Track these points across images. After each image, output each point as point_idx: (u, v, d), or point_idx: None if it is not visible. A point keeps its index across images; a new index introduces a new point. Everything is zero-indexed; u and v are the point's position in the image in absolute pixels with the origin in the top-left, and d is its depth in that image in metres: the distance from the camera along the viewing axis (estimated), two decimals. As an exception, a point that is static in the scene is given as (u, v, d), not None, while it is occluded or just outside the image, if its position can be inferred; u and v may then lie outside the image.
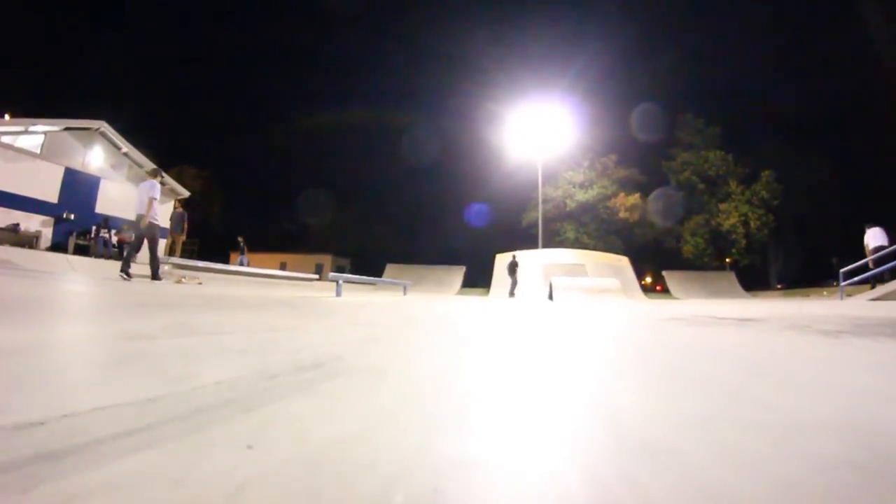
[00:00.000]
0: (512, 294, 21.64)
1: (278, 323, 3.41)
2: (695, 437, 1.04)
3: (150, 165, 24.09)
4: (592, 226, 45.09)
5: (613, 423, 1.13)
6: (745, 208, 40.05)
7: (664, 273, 28.97)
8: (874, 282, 14.41)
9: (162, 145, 29.68)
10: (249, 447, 0.87)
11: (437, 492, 0.73)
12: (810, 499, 0.75)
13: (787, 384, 1.74)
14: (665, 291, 32.88)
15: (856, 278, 14.89)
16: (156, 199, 10.34)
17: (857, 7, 41.33)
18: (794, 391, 1.61)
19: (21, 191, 19.11)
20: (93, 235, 20.51)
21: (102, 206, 22.24)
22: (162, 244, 13.65)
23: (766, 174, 39.84)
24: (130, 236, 20.49)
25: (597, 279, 19.19)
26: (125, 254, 10.33)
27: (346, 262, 56.67)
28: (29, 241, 18.67)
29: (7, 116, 20.14)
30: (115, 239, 20.75)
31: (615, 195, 44.71)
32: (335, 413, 1.12)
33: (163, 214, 12.38)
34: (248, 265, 21.55)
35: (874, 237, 14.92)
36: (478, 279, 29.92)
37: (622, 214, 43.98)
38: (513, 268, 22.02)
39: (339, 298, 8.82)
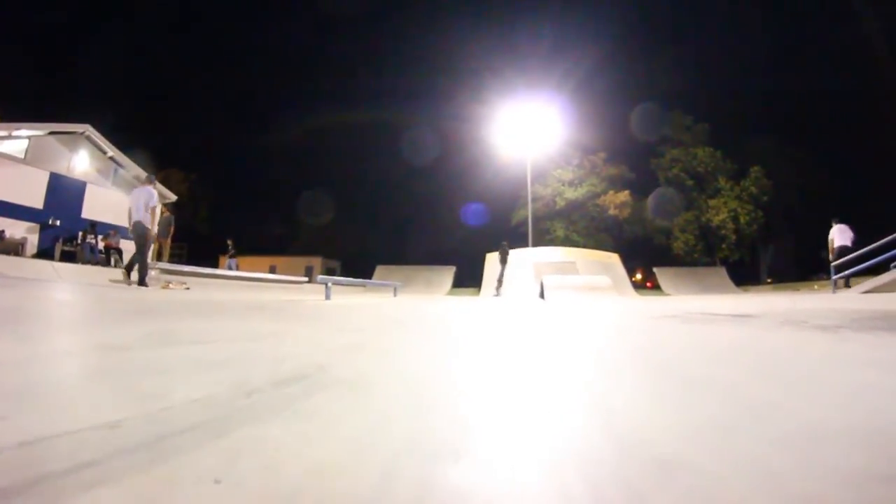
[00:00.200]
0: (497, 293, 21.59)
1: (264, 329, 3.30)
2: (710, 451, 0.95)
3: (136, 168, 24.04)
4: (582, 223, 45.14)
5: (618, 437, 1.04)
6: (734, 204, 40.19)
7: (655, 270, 28.99)
8: (835, 279, 14.76)
9: (148, 148, 29.27)
10: (217, 482, 0.78)
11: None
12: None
13: (796, 386, 1.67)
14: (655, 288, 32.92)
15: (847, 272, 14.89)
16: (157, 207, 10.61)
17: (847, 4, 41.58)
18: (806, 393, 1.53)
19: (5, 197, 18.89)
20: (79, 241, 20.29)
21: (89, 212, 22.02)
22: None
23: (754, 170, 40.01)
24: (117, 242, 20.37)
25: (588, 277, 19.16)
26: (129, 259, 10.30)
27: (336, 264, 56.54)
28: (14, 248, 18.45)
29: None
30: (101, 245, 20.54)
31: (604, 193, 44.77)
32: (314, 437, 1.02)
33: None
34: (238, 269, 21.35)
35: (840, 235, 15.46)
36: (468, 279, 29.85)
37: (612, 212, 44.04)
38: (503, 255, 21.99)
39: (327, 301, 8.72)
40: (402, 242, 61.09)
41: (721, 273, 28.77)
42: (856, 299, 9.44)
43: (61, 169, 21.18)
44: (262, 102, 79.78)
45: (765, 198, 39.69)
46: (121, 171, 23.88)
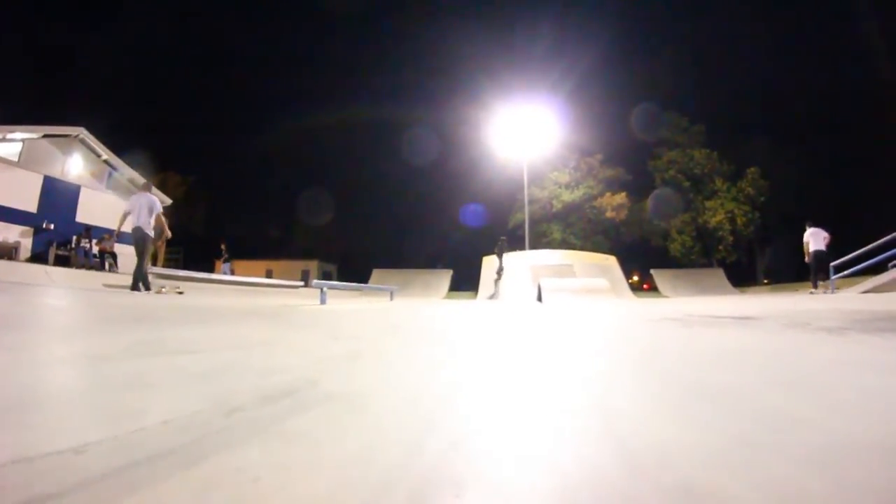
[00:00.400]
0: (496, 286, 21.51)
1: (255, 337, 3.20)
2: (735, 473, 0.86)
3: (131, 172, 23.92)
4: (579, 226, 45.08)
5: (632, 459, 0.94)
6: (731, 205, 40.19)
7: (652, 271, 28.84)
8: (814, 280, 15.89)
9: (144, 152, 29.11)
10: (182, 524, 0.68)
11: None
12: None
13: (814, 394, 1.57)
14: (652, 290, 32.84)
15: (846, 272, 15.27)
16: (161, 213, 10.71)
17: (844, 3, 41.64)
18: (826, 403, 1.43)
19: (-1, 200, 18.78)
20: (73, 245, 20.17)
21: (83, 216, 21.91)
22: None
23: (751, 171, 40.03)
24: (112, 246, 20.22)
25: (585, 279, 19.06)
26: (144, 270, 10.29)
27: (332, 268, 56.38)
28: (8, 252, 18.33)
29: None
30: (96, 249, 20.39)
31: (601, 195, 44.73)
32: (299, 465, 0.91)
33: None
34: (233, 273, 21.21)
35: (814, 238, 15.93)
36: (465, 282, 29.76)
37: (609, 214, 43.99)
38: (500, 251, 21.92)
39: (323, 306, 8.60)
40: (398, 246, 60.97)
41: (719, 274, 28.66)
42: (855, 300, 9.41)
43: (55, 172, 21.06)
44: (260, 105, 79.74)
45: (762, 199, 39.69)
46: (115, 174, 23.76)
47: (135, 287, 10.27)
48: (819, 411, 1.33)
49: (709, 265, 38.85)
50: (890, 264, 13.85)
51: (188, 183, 50.60)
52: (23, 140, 19.81)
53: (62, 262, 19.06)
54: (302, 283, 21.77)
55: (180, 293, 10.45)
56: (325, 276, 50.91)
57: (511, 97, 35.83)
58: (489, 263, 24.53)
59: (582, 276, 20.78)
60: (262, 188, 69.86)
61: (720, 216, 40.14)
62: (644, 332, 4.17)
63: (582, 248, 36.27)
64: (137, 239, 10.40)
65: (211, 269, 25.93)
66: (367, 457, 0.97)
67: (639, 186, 44.87)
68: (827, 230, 16.07)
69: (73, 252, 19.85)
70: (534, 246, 32.62)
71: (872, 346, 2.77)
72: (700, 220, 41.58)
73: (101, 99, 54.34)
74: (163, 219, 10.81)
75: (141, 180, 23.39)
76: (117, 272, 18.16)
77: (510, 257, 23.73)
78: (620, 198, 44.00)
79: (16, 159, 19.57)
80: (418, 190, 66.24)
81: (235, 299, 9.97)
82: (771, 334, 3.57)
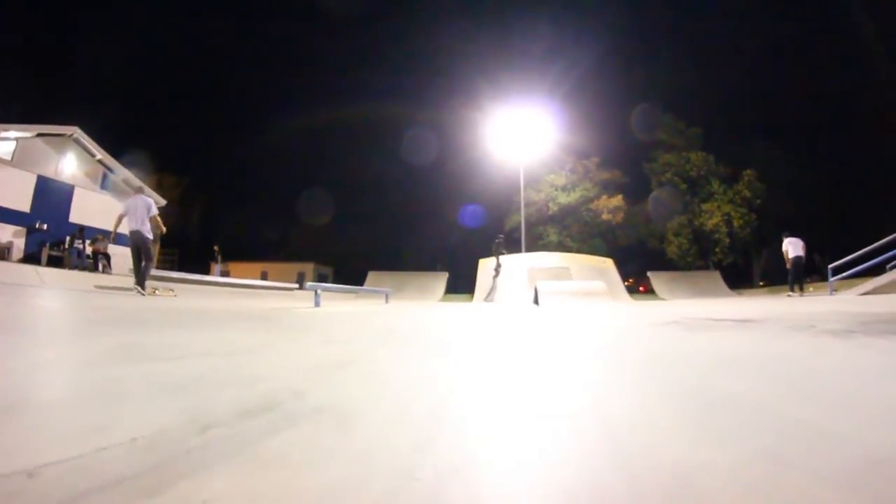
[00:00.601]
0: (493, 283, 21.47)
1: (243, 342, 3.07)
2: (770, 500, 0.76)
3: (125, 172, 23.77)
4: (575, 228, 44.93)
5: (646, 483, 0.83)
6: (727, 208, 40.11)
7: (649, 274, 28.80)
8: (792, 284, 16.93)
9: (139, 152, 28.93)
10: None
11: None
12: None
13: (834, 403, 1.50)
14: (648, 292, 32.78)
15: (844, 274, 15.48)
16: (156, 215, 10.70)
17: (843, 6, 41.70)
18: (850, 413, 1.36)
19: (-9, 200, 18.63)
20: (66, 246, 19.97)
21: (77, 216, 21.71)
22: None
23: (748, 174, 39.96)
24: (105, 247, 20.05)
25: (583, 282, 18.98)
26: (140, 272, 10.23)
27: (328, 270, 56.17)
28: (0, 253, 18.16)
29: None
30: (89, 249, 20.21)
31: (598, 197, 44.58)
32: (272, 495, 0.80)
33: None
34: (226, 274, 21.02)
35: (792, 247, 16.93)
36: (461, 285, 29.64)
37: (605, 216, 43.87)
38: (497, 250, 21.88)
39: (316, 309, 8.48)
40: (394, 249, 60.66)
41: (715, 277, 28.64)
42: (855, 301, 9.35)
43: (49, 172, 20.87)
44: (256, 106, 79.01)
45: (758, 201, 39.68)
46: (110, 174, 23.58)
47: (141, 284, 10.23)
48: (847, 422, 1.25)
49: (705, 268, 38.80)
50: (889, 266, 13.88)
51: (183, 184, 50.29)
52: (16, 139, 19.61)
53: (55, 262, 18.85)
54: (297, 286, 21.63)
55: (174, 296, 10.33)
56: (321, 278, 50.70)
57: (507, 99, 35.74)
58: (485, 267, 24.44)
59: (579, 278, 20.68)
60: (258, 190, 69.53)
61: (717, 218, 40.06)
62: (646, 336, 4.07)
63: (578, 251, 36.09)
64: (137, 242, 10.38)
65: (206, 271, 25.77)
66: (353, 486, 0.85)
67: (635, 189, 44.78)
68: (803, 239, 17.18)
69: (66, 253, 19.64)
70: (530, 248, 32.44)
71: (882, 351, 2.71)
72: (697, 223, 41.49)
73: (96, 99, 53.80)
74: (158, 219, 10.75)
75: (135, 181, 23.32)
76: (111, 273, 18.00)
77: (507, 260, 23.64)
78: (617, 200, 43.90)
79: (9, 158, 19.37)
80: (415, 192, 66.06)
81: (228, 302, 9.84)
82: (776, 338, 3.48)
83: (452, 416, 1.35)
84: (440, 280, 27.55)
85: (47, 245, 19.83)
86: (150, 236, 10.59)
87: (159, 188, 30.23)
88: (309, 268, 52.57)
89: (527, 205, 37.52)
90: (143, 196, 10.94)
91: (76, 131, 21.61)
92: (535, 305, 14.38)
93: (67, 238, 20.16)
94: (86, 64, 56.86)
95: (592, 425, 1.26)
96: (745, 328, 4.29)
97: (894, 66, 37.23)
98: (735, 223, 39.54)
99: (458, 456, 1.03)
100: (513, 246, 31.30)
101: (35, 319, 4.09)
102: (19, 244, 19.49)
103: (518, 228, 33.89)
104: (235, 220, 60.39)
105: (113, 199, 22.45)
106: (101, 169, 23.31)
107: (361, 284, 24.95)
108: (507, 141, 33.29)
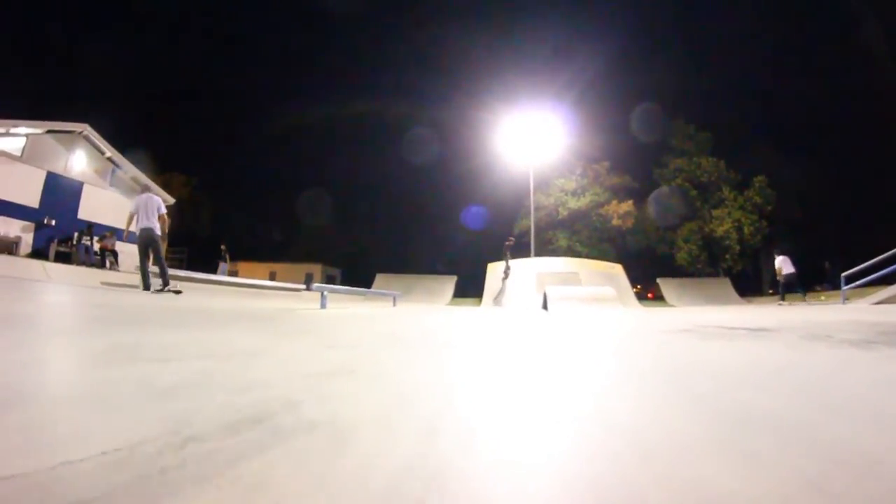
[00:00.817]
0: (502, 284, 21.38)
1: (242, 344, 2.95)
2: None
3: (134, 170, 23.83)
4: (585, 233, 44.77)
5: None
6: (738, 214, 39.90)
7: (659, 280, 28.57)
8: (783, 293, 18.76)
9: (149, 151, 29.02)
10: None
11: None
12: None
13: (872, 422, 1.38)
14: (656, 299, 32.58)
15: (858, 282, 15.33)
16: (164, 214, 10.83)
17: (852, 10, 41.46)
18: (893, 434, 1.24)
19: (0, 195, 18.66)
20: (74, 242, 20.02)
21: (85, 213, 21.79)
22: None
23: (758, 180, 39.77)
24: (113, 244, 20.08)
25: (592, 288, 18.79)
26: (146, 270, 10.30)
27: (336, 272, 56.32)
28: (8, 247, 18.22)
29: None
30: (97, 246, 20.24)
31: (608, 202, 44.44)
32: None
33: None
34: (227, 273, 20.93)
35: (785, 264, 18.63)
36: (469, 288, 29.49)
37: (615, 222, 43.70)
38: (507, 252, 21.83)
39: (322, 311, 8.36)
40: (403, 251, 60.63)
41: (725, 284, 28.36)
42: (869, 311, 9.28)
43: (58, 168, 20.97)
44: (266, 107, 79.42)
45: (769, 208, 39.44)
46: (118, 172, 23.65)
47: (166, 283, 10.38)
48: (890, 444, 1.15)
49: (715, 274, 38.54)
50: None
51: (193, 183, 50.46)
52: (26, 135, 19.75)
53: (63, 258, 18.91)
54: (304, 287, 21.56)
55: (178, 293, 10.28)
56: (329, 279, 50.87)
57: (517, 103, 35.64)
58: (494, 271, 24.29)
59: (588, 284, 20.50)
60: (267, 190, 69.74)
61: (727, 225, 39.85)
62: (660, 344, 3.93)
63: (588, 256, 35.93)
64: (147, 240, 10.44)
65: (214, 271, 25.79)
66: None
67: (645, 194, 44.57)
68: (792, 257, 18.95)
69: (74, 249, 19.70)
70: (539, 253, 32.30)
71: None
72: (707, 229, 41.29)
73: (106, 96, 54.29)
74: (166, 218, 10.82)
75: (144, 178, 23.38)
76: (118, 270, 18.02)
77: (516, 264, 23.49)
78: (627, 206, 43.72)
79: (19, 154, 19.48)
80: (424, 194, 66.17)
81: (233, 301, 9.76)
82: (795, 348, 3.37)
83: (464, 441, 1.22)
84: (448, 283, 27.39)
85: (55, 241, 19.90)
86: (160, 233, 10.64)
87: (168, 187, 30.29)
88: (317, 269, 52.72)
89: (536, 209, 37.43)
90: (151, 194, 10.99)
91: (86, 128, 21.72)
92: (544, 310, 14.24)
93: (76, 234, 20.22)
94: (96, 62, 57.24)
95: (614, 444, 1.13)
96: (761, 337, 4.16)
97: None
98: (745, 230, 39.31)
99: (468, 485, 0.90)
100: (522, 250, 31.16)
101: (31, 316, 3.98)
102: (27, 239, 19.56)
103: (527, 233, 33.73)
104: (245, 221, 60.77)
105: (121, 197, 22.52)
106: (110, 166, 23.39)
107: (369, 286, 24.83)
108: (517, 145, 33.14)
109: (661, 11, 59.58)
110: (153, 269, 10.74)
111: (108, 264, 19.40)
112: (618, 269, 24.58)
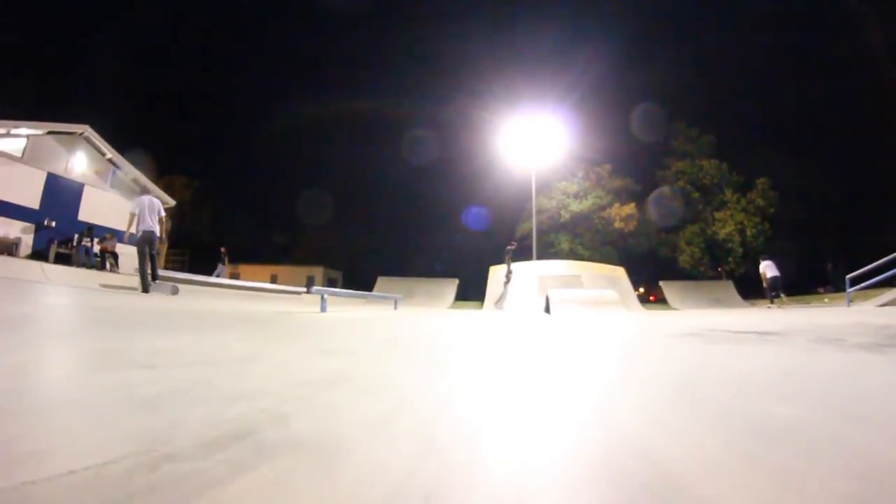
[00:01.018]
0: (504, 289, 21.31)
1: (235, 349, 2.85)
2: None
3: (135, 172, 23.77)
4: (587, 236, 44.65)
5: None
6: (740, 216, 39.74)
7: (661, 283, 28.39)
8: (771, 297, 19.31)
9: (151, 153, 28.96)
10: None
11: None
12: None
13: None
14: (659, 302, 32.41)
15: (863, 284, 15.32)
16: (163, 217, 11.07)
17: (853, 11, 41.38)
18: None
19: (1, 196, 18.61)
20: (75, 244, 19.94)
21: (86, 214, 21.73)
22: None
23: (761, 182, 39.62)
24: (114, 245, 20.01)
25: (594, 291, 18.67)
26: (146, 272, 10.35)
27: (338, 274, 56.29)
28: (8, 248, 18.17)
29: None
30: (97, 248, 20.16)
31: (610, 205, 44.34)
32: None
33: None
34: (224, 276, 20.78)
35: (770, 269, 19.60)
36: (471, 292, 29.37)
37: (617, 225, 43.59)
38: (509, 256, 21.79)
39: (322, 314, 8.27)
40: (404, 255, 60.58)
41: (728, 286, 28.18)
42: (876, 313, 9.22)
43: (59, 169, 20.92)
44: (268, 110, 79.66)
45: (772, 210, 39.30)
46: (119, 173, 23.57)
47: (156, 277, 10.67)
48: None
49: (717, 277, 38.39)
50: None
51: (194, 185, 50.39)
52: (27, 136, 19.71)
53: (63, 260, 18.83)
54: (304, 290, 21.46)
55: (174, 293, 10.26)
56: (331, 283, 50.87)
57: (519, 105, 35.54)
58: (495, 274, 24.20)
59: (590, 287, 20.40)
60: (269, 193, 69.79)
61: (730, 227, 39.70)
62: (667, 349, 3.82)
63: (590, 259, 35.80)
64: (148, 241, 10.53)
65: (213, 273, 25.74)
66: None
67: (647, 197, 44.50)
68: (776, 263, 20.14)
69: (74, 251, 19.62)
70: (541, 256, 32.16)
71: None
72: (709, 232, 41.15)
73: (107, 98, 54.40)
74: (164, 221, 10.97)
75: (144, 180, 23.34)
76: (118, 272, 17.93)
77: (517, 267, 23.40)
78: (629, 208, 43.60)
79: (20, 155, 19.44)
80: (426, 197, 66.24)
81: (232, 304, 9.66)
82: (807, 353, 3.29)
83: (458, 451, 1.12)
84: (450, 287, 27.26)
85: (55, 242, 19.84)
86: (159, 236, 10.78)
87: (169, 189, 30.22)
88: (319, 272, 52.77)
89: (539, 212, 37.32)
90: (150, 196, 11.14)
91: (86, 130, 21.66)
92: (547, 314, 14.15)
93: (76, 236, 20.13)
94: (98, 63, 57.30)
95: (630, 462, 1.03)
96: (770, 341, 4.07)
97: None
98: (748, 232, 39.18)
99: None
100: (524, 253, 31.07)
101: (21, 318, 3.88)
102: (27, 241, 19.51)
103: (529, 236, 33.60)
104: (246, 223, 60.76)
105: (122, 199, 22.44)
106: (110, 168, 23.34)
107: (371, 289, 24.73)
108: (518, 148, 33.04)
109: (662, 14, 59.63)
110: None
111: (108, 266, 19.33)
112: (620, 272, 24.48)
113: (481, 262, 28.00)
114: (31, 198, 19.75)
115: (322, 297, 9.49)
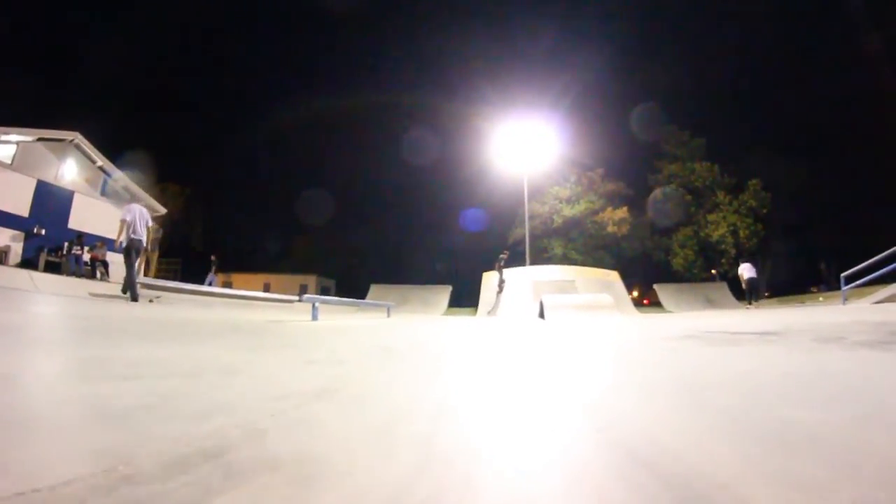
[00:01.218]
0: (497, 299, 21.24)
1: (219, 359, 2.74)
2: None
3: (125, 179, 23.60)
4: (580, 241, 44.61)
5: None
6: (733, 218, 39.80)
7: (655, 286, 28.33)
8: (749, 298, 20.55)
9: (143, 161, 28.71)
10: None
11: None
12: None
13: None
14: (652, 305, 32.43)
15: (858, 282, 15.25)
16: (150, 225, 11.20)
17: (847, 11, 41.61)
18: None
19: (-10, 203, 18.46)
20: (65, 252, 19.73)
21: (76, 222, 21.48)
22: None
23: (753, 183, 39.67)
24: (104, 254, 19.83)
25: (589, 295, 18.61)
26: (129, 279, 10.20)
27: (331, 283, 56.05)
28: (-3, 257, 17.98)
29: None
30: (87, 256, 19.96)
31: (602, 209, 44.32)
32: None
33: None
34: (215, 284, 20.58)
35: (748, 270, 20.73)
36: (465, 298, 29.26)
37: (610, 229, 43.55)
38: (500, 267, 21.73)
39: (314, 323, 8.15)
40: (398, 262, 60.43)
41: (722, 288, 28.14)
42: (872, 311, 9.21)
43: (49, 177, 20.70)
44: (260, 117, 79.37)
45: (764, 211, 39.38)
46: (110, 181, 23.36)
47: (135, 298, 10.26)
48: None
49: (711, 279, 38.43)
50: None
51: (187, 193, 50.00)
52: (17, 143, 19.48)
53: (53, 268, 18.60)
54: (297, 298, 21.30)
55: (150, 301, 10.18)
56: (324, 291, 50.63)
57: (511, 111, 35.63)
58: (489, 280, 24.12)
59: (584, 291, 20.32)
60: (262, 202, 69.53)
61: (723, 229, 39.76)
62: (668, 352, 3.74)
63: (583, 264, 35.75)
64: (137, 249, 10.49)
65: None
66: None
67: (640, 201, 44.49)
68: (755, 264, 21.95)
69: (64, 259, 19.40)
70: (535, 261, 32.03)
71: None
72: (702, 234, 41.20)
73: (98, 105, 53.95)
74: (150, 231, 11.21)
75: (135, 188, 23.19)
76: (108, 281, 17.76)
77: (511, 273, 23.31)
78: (622, 212, 43.60)
79: (9, 162, 19.23)
80: (419, 206, 66.25)
81: (222, 313, 9.55)
82: (810, 352, 3.25)
83: (450, 474, 1.02)
84: (443, 293, 27.16)
85: (45, 250, 19.59)
86: (145, 245, 10.83)
87: (161, 197, 30.00)
88: (312, 280, 52.62)
89: (531, 217, 37.24)
90: (138, 204, 11.08)
91: (77, 137, 21.47)
92: (541, 319, 14.08)
93: (66, 244, 19.91)
94: (89, 70, 57.02)
95: (644, 478, 0.94)
96: (771, 342, 4.02)
97: (898, 73, 37.12)
98: (741, 233, 39.29)
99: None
100: (517, 259, 31.02)
101: (3, 327, 3.76)
102: (17, 249, 19.28)
103: (522, 241, 33.56)
104: (239, 232, 60.54)
105: (112, 207, 22.24)
106: (101, 175, 23.11)
107: (364, 297, 24.59)
108: (510, 153, 33.01)
109: (654, 18, 59.93)
110: (144, 279, 10.66)
111: (98, 275, 19.14)
112: (614, 276, 24.47)
113: (474, 268, 27.95)
114: (21, 205, 19.53)
115: (313, 306, 9.36)
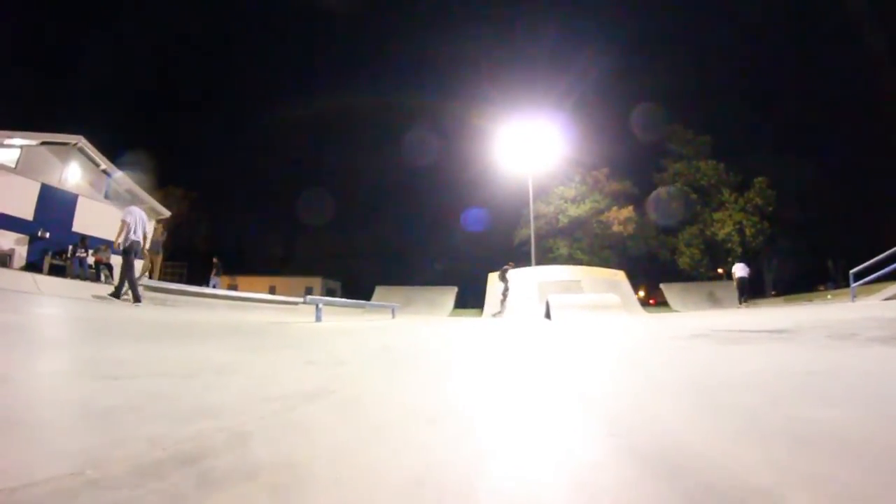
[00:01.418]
0: (501, 308, 21.08)
1: (214, 360, 2.66)
2: None
3: (129, 182, 23.60)
4: (586, 241, 44.36)
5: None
6: (739, 216, 39.52)
7: (662, 286, 28.17)
8: (740, 297, 21.33)
9: (146, 164, 28.70)
10: None
11: None
12: None
13: None
14: (659, 305, 32.22)
15: (867, 279, 15.10)
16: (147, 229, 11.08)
17: (851, 10, 41.39)
18: None
19: (-6, 207, 18.46)
20: (69, 255, 19.74)
21: (80, 225, 21.48)
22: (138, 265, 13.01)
23: (759, 181, 39.40)
24: (108, 257, 19.82)
25: (595, 295, 18.49)
26: (128, 281, 10.26)
27: (336, 284, 56.07)
28: (1, 260, 17.97)
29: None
30: (91, 259, 19.95)
31: (608, 209, 44.05)
32: None
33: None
34: (218, 287, 20.52)
35: (740, 270, 21.59)
36: (470, 300, 29.12)
37: (616, 228, 43.30)
38: (503, 274, 21.63)
39: (317, 324, 8.06)
40: (403, 264, 60.06)
41: (729, 287, 27.80)
42: (882, 307, 9.03)
43: (53, 180, 20.71)
44: (265, 120, 79.41)
45: (770, 209, 39.12)
46: (114, 184, 23.36)
47: (120, 295, 10.32)
48: None
49: (717, 278, 38.18)
50: None
51: (191, 197, 49.99)
52: (21, 146, 19.50)
53: (57, 271, 18.60)
54: (301, 300, 21.21)
55: (135, 304, 10.15)
56: (329, 293, 50.67)
57: (516, 111, 35.51)
58: (494, 281, 23.98)
59: (590, 291, 20.19)
60: (267, 205, 69.63)
61: (728, 228, 39.52)
62: (680, 352, 3.65)
63: (589, 264, 35.56)
64: (136, 252, 10.51)
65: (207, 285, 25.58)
66: None
67: (645, 200, 44.24)
68: (748, 264, 22.55)
69: (68, 262, 19.41)
70: (540, 262, 31.83)
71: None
72: (708, 233, 40.97)
73: (102, 108, 54.21)
74: (147, 237, 11.07)
75: (138, 191, 23.20)
76: (112, 284, 17.73)
77: (517, 273, 23.15)
78: (627, 211, 43.33)
79: (13, 166, 19.24)
80: (423, 207, 66.30)
81: (226, 315, 9.50)
82: (825, 349, 3.14)
83: (442, 490, 0.93)
84: (449, 294, 27.03)
85: (49, 254, 19.62)
86: (142, 247, 10.86)
87: (166, 201, 29.99)
88: (317, 282, 52.62)
89: (536, 217, 37.10)
90: (138, 207, 11.17)
91: (80, 140, 21.48)
92: (547, 320, 13.98)
93: (70, 247, 19.92)
94: (93, 74, 57.20)
95: (663, 488, 0.85)
96: (784, 339, 3.94)
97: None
98: (747, 232, 39.04)
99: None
100: (522, 259, 30.90)
101: (7, 329, 3.70)
102: (21, 252, 19.29)
103: (527, 241, 33.46)
104: (244, 235, 60.63)
105: (116, 210, 22.22)
106: (105, 179, 23.11)
107: (370, 299, 24.51)
108: (515, 153, 32.87)
109: (659, 18, 59.78)
110: (149, 282, 10.61)
111: (102, 278, 19.13)
112: (620, 276, 24.32)
113: (480, 269, 27.81)
114: (25, 209, 19.54)
115: (317, 307, 9.29)
